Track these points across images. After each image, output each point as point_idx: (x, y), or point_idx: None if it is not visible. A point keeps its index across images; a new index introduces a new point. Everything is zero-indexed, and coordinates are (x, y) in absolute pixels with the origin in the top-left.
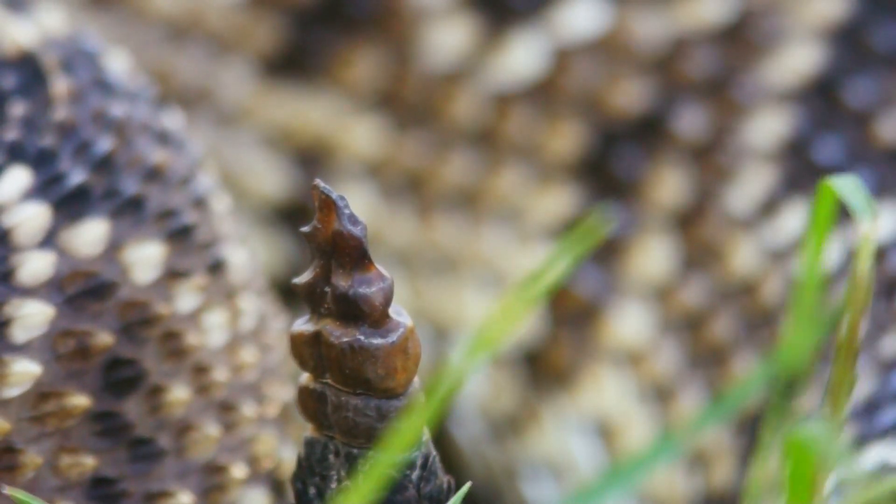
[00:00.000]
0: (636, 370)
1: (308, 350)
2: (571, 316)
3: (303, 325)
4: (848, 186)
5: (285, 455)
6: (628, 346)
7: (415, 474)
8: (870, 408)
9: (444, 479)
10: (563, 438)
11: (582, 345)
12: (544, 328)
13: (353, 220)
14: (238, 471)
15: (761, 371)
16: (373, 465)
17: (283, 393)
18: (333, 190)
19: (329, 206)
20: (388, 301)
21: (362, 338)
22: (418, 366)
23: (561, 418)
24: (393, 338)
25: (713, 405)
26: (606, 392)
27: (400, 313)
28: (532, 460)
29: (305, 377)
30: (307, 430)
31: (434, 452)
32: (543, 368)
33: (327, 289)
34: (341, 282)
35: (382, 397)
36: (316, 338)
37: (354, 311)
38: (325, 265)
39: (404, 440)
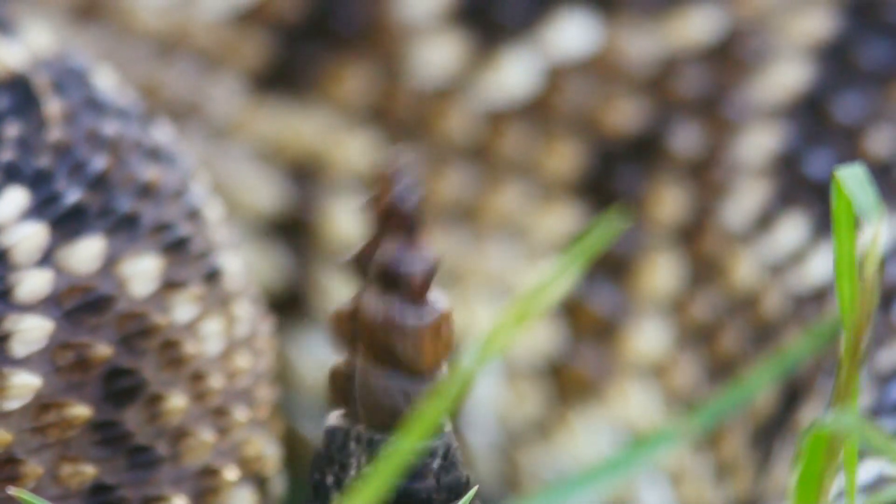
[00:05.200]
0: (660, 381)
1: (348, 324)
2: (590, 331)
3: (348, 300)
4: (855, 184)
5: (269, 453)
6: (650, 359)
7: (435, 463)
8: (868, 419)
9: (463, 472)
10: (595, 442)
11: (604, 358)
12: (565, 342)
13: (409, 191)
14: (230, 473)
15: (766, 370)
16: (392, 451)
17: (271, 395)
18: (405, 159)
19: (387, 176)
20: (427, 280)
21: (396, 314)
22: (449, 352)
23: (592, 423)
24: (427, 319)
25: (722, 398)
26: (633, 403)
27: (439, 297)
28: (562, 463)
29: (338, 359)
30: (328, 419)
31: (456, 444)
32: (568, 380)
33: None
34: (386, 253)
35: (409, 377)
36: (361, 316)
37: (393, 284)
38: (378, 236)
39: (425, 426)
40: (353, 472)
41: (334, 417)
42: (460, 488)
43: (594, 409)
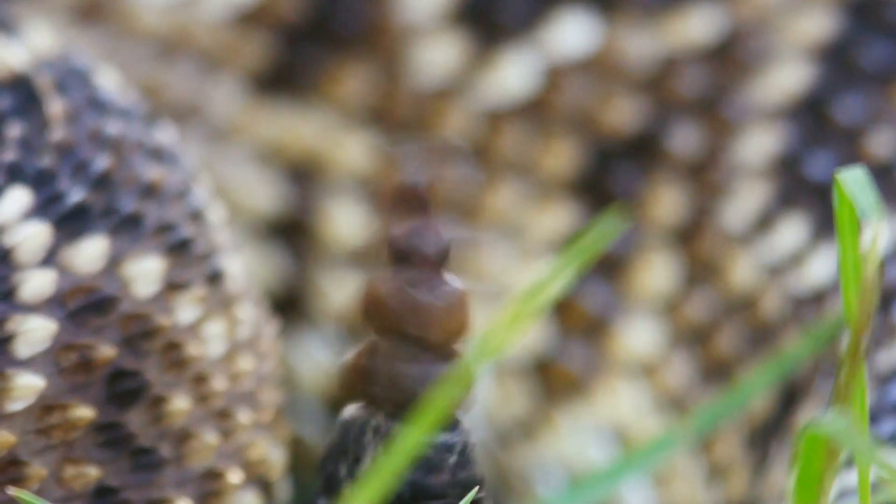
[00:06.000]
0: (650, 381)
1: (384, 308)
2: (580, 329)
3: (380, 282)
4: (855, 186)
5: (274, 457)
6: (640, 359)
7: (452, 458)
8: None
9: (478, 470)
10: (580, 441)
11: (593, 357)
12: (553, 340)
13: (418, 173)
14: (234, 476)
15: (764, 372)
16: (405, 441)
17: (275, 398)
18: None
19: (395, 161)
20: (441, 258)
21: (410, 290)
22: (465, 332)
23: (577, 423)
24: (440, 297)
25: (719, 402)
26: (622, 402)
27: (454, 279)
28: (547, 463)
29: (350, 353)
30: (345, 411)
31: (473, 442)
32: (555, 378)
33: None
34: (400, 233)
35: (425, 358)
36: (394, 295)
37: (408, 262)
38: (392, 219)
39: (435, 417)
40: (367, 464)
41: (351, 409)
42: (475, 486)
43: (580, 408)
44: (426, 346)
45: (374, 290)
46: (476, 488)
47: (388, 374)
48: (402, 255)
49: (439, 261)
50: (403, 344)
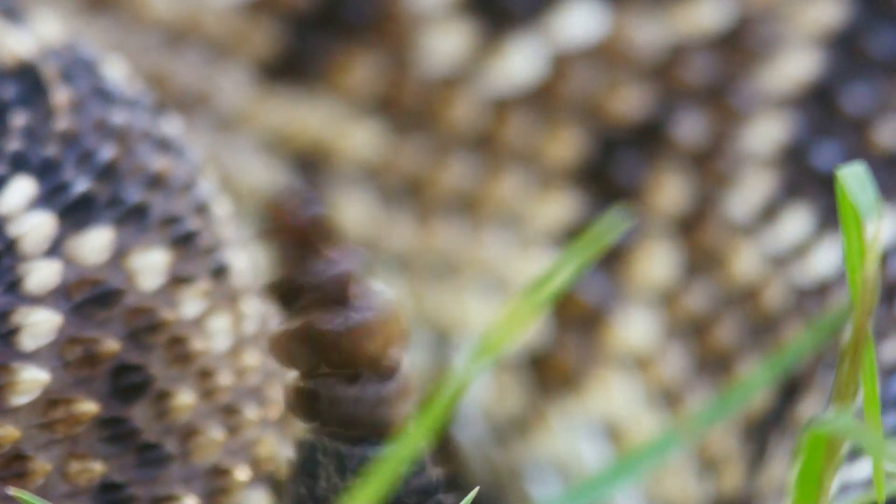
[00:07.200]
0: (644, 374)
1: (297, 347)
2: (576, 321)
3: (286, 324)
4: (855, 183)
5: (284, 455)
6: (635, 351)
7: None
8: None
9: (433, 472)
10: (571, 439)
11: (588, 349)
12: (549, 333)
13: (299, 208)
14: (241, 473)
15: (766, 369)
16: (373, 463)
17: (283, 394)
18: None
19: (279, 205)
20: (341, 286)
21: (354, 314)
22: (390, 347)
23: (569, 420)
24: (353, 321)
25: (718, 401)
26: (615, 396)
27: (368, 297)
28: (539, 461)
29: (295, 377)
30: (300, 431)
31: (422, 446)
32: (550, 372)
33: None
34: (305, 271)
35: (369, 382)
36: (303, 333)
37: (329, 296)
38: (293, 260)
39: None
40: (323, 484)
41: (305, 429)
42: (430, 490)
43: (573, 404)
44: (356, 372)
45: (298, 334)
46: (475, 490)
47: (328, 396)
48: (301, 295)
49: (341, 289)
50: (342, 376)
